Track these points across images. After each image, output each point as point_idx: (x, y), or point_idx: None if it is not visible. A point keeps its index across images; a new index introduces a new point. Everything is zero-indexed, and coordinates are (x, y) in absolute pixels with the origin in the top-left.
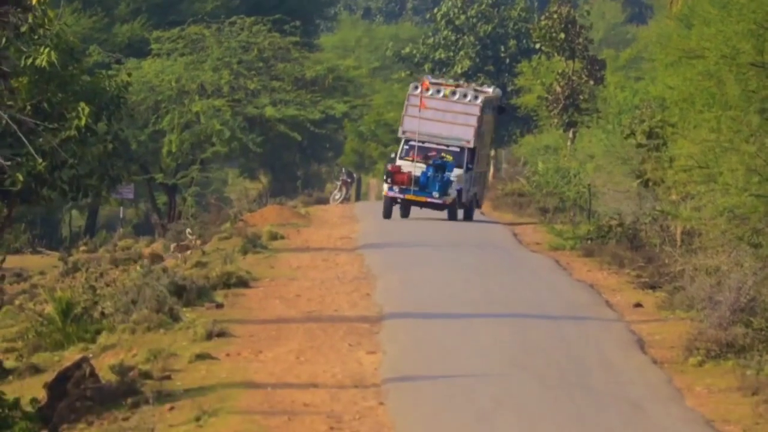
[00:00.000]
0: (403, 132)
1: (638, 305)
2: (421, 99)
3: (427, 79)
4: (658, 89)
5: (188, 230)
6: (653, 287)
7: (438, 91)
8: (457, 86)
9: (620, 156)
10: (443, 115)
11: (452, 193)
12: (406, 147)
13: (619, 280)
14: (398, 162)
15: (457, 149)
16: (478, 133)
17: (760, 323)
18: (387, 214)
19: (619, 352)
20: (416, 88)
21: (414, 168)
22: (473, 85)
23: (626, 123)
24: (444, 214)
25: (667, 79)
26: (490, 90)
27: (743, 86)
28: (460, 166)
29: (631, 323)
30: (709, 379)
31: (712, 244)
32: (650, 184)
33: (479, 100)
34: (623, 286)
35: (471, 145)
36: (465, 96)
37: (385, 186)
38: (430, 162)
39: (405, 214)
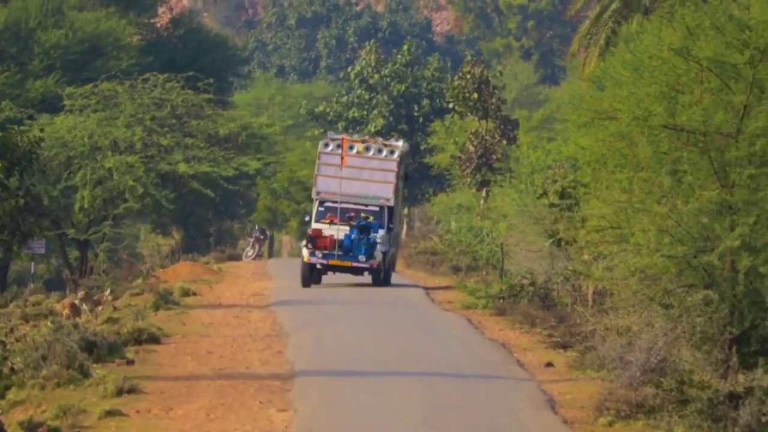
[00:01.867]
0: (318, 193)
1: (549, 365)
2: (343, 156)
3: (329, 137)
4: (571, 149)
5: (107, 292)
6: (565, 347)
7: (351, 148)
8: (363, 140)
9: (533, 215)
10: (359, 172)
11: (378, 255)
12: (322, 209)
13: (531, 340)
14: (315, 225)
15: (377, 208)
16: (397, 190)
17: (670, 384)
18: (306, 282)
19: (531, 412)
20: (326, 145)
21: (337, 231)
22: (380, 140)
23: (539, 183)
24: (360, 278)
25: (580, 139)
26: (400, 144)
27: (655, 148)
28: (381, 227)
29: (543, 383)
30: None
31: (624, 305)
32: (562, 243)
33: (396, 155)
34: (535, 345)
35: (391, 203)
36: (380, 151)
37: (305, 252)
38: (353, 224)
39: (317, 280)
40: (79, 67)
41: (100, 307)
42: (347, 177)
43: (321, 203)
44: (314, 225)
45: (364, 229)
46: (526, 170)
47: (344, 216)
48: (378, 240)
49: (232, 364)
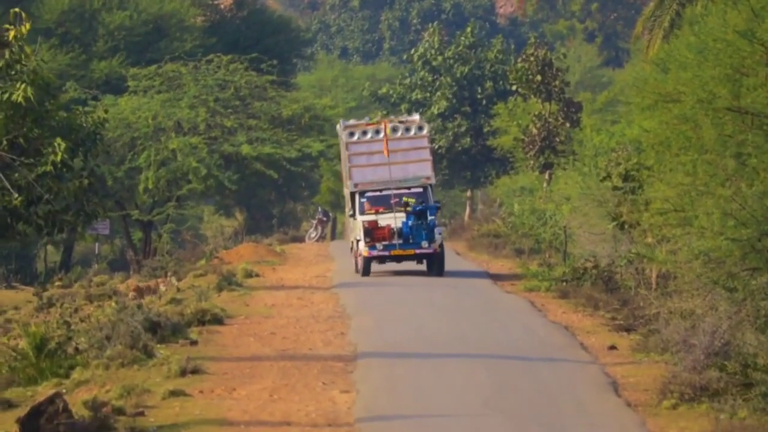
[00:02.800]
0: (355, 185)
1: (613, 348)
2: (385, 143)
3: (343, 124)
4: (634, 132)
5: (166, 275)
6: (628, 330)
7: (377, 132)
8: (377, 123)
9: (596, 198)
10: (393, 155)
11: (438, 238)
12: (364, 200)
13: (594, 323)
14: (363, 218)
15: (420, 189)
16: (433, 166)
17: (734, 367)
18: (367, 272)
19: (594, 395)
20: (352, 134)
21: (394, 220)
22: (395, 118)
23: (602, 166)
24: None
25: (644, 122)
26: (417, 117)
27: (719, 131)
28: (436, 208)
29: (606, 365)
30: (682, 422)
31: (687, 288)
32: (626, 226)
33: (425, 131)
34: (598, 328)
35: (432, 182)
36: (408, 130)
37: (363, 246)
38: (409, 209)
39: (366, 272)
40: (143, 49)
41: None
42: (383, 162)
43: (362, 194)
44: (362, 218)
45: (421, 214)
46: (589, 153)
47: (388, 203)
48: (436, 222)
49: (294, 345)
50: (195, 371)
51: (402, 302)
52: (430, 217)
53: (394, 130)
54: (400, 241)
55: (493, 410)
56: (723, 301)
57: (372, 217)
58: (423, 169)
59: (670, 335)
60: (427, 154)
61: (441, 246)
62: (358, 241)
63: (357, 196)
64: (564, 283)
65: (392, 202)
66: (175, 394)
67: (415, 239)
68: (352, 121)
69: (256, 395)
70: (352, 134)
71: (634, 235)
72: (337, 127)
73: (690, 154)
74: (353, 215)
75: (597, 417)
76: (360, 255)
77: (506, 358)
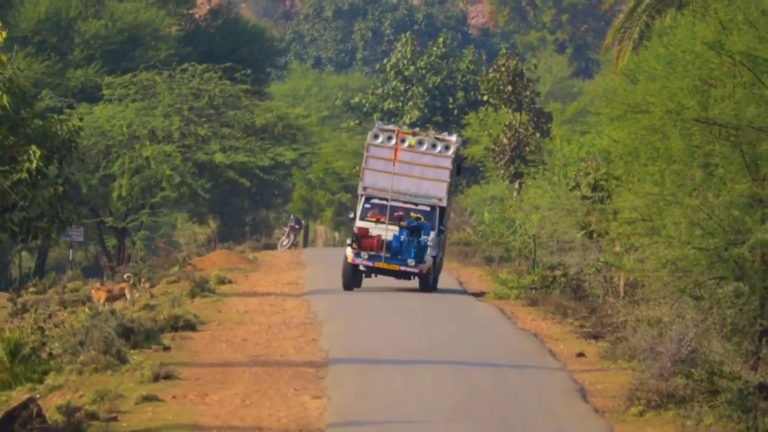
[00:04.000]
0: (364, 188)
1: (581, 355)
2: (396, 151)
3: (398, 128)
4: (604, 142)
5: (126, 275)
6: (596, 337)
7: (403, 141)
8: (414, 133)
9: (565, 207)
10: (411, 168)
11: (428, 260)
12: (368, 205)
13: (563, 330)
14: (360, 223)
15: (428, 208)
16: (450, 190)
17: (700, 374)
18: (348, 285)
19: (562, 401)
20: (376, 137)
21: (385, 231)
22: (433, 133)
23: (572, 175)
24: (407, 283)
25: (613, 132)
26: (454, 138)
27: (687, 141)
28: (433, 228)
29: (574, 372)
30: (649, 429)
31: (655, 296)
32: (594, 235)
33: (451, 151)
34: (566, 335)
35: (443, 204)
36: (434, 146)
37: (349, 251)
38: (404, 224)
39: (358, 283)
40: (119, 57)
41: (124, 299)
42: (397, 172)
43: (367, 199)
44: (359, 223)
45: (415, 231)
46: (559, 163)
47: (392, 215)
48: (429, 243)
49: (266, 351)
50: (168, 377)
51: (373, 309)
52: (423, 236)
53: (420, 143)
54: (388, 255)
55: (463, 416)
56: (690, 309)
57: (364, 224)
58: (437, 189)
59: (638, 343)
60: (445, 175)
61: (434, 267)
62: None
63: (362, 200)
64: (533, 291)
65: (396, 214)
66: (148, 399)
67: (403, 255)
68: (390, 126)
69: (228, 401)
70: (376, 136)
71: (603, 244)
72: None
73: (658, 164)
74: (353, 219)
75: (565, 423)
76: (344, 260)
77: (476, 365)
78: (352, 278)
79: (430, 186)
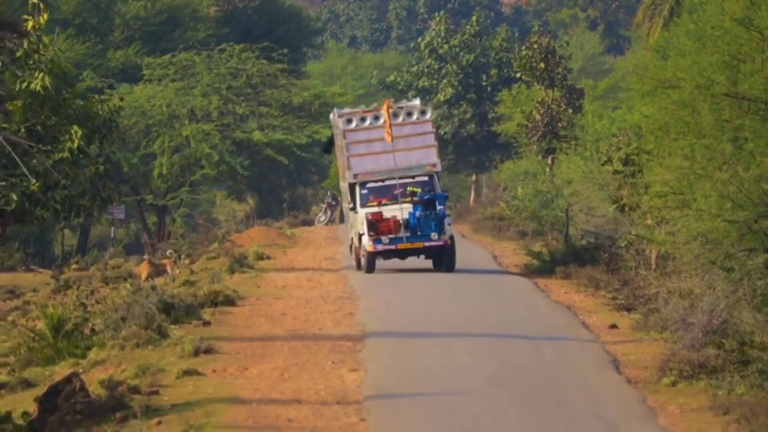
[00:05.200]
0: (354, 176)
1: (614, 326)
2: (388, 127)
3: (390, 102)
4: (635, 118)
5: (168, 251)
6: (628, 309)
7: (376, 118)
8: (374, 109)
9: (597, 182)
10: (394, 142)
11: (449, 230)
12: (365, 191)
13: (595, 302)
14: (365, 210)
15: (425, 177)
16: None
17: (731, 345)
18: (371, 269)
19: (595, 372)
20: (349, 122)
21: (400, 211)
22: (390, 101)
23: (603, 150)
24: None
25: (644, 108)
26: (417, 103)
27: (717, 116)
28: (444, 197)
29: (607, 344)
30: (682, 398)
31: (686, 268)
32: (626, 209)
33: (428, 115)
34: (599, 307)
35: (437, 168)
36: (410, 114)
37: (367, 241)
38: (415, 199)
39: (370, 269)
40: (158, 38)
41: (167, 275)
42: (385, 150)
43: (362, 186)
44: (364, 210)
45: (429, 203)
46: (591, 138)
47: (392, 194)
48: (446, 212)
49: (304, 325)
50: (208, 351)
51: (408, 283)
52: (438, 207)
53: (395, 115)
54: (408, 234)
55: (498, 388)
56: (720, 280)
57: (375, 209)
58: (428, 156)
59: (669, 314)
60: (431, 140)
61: (451, 238)
62: (360, 235)
63: (357, 188)
64: (566, 265)
65: (396, 192)
66: (188, 373)
67: (424, 231)
68: (346, 109)
69: (267, 374)
70: (349, 121)
71: (634, 218)
72: (330, 116)
73: (688, 139)
74: (354, 208)
75: (598, 394)
76: (363, 251)
77: (510, 337)
78: (374, 263)
79: (420, 155)
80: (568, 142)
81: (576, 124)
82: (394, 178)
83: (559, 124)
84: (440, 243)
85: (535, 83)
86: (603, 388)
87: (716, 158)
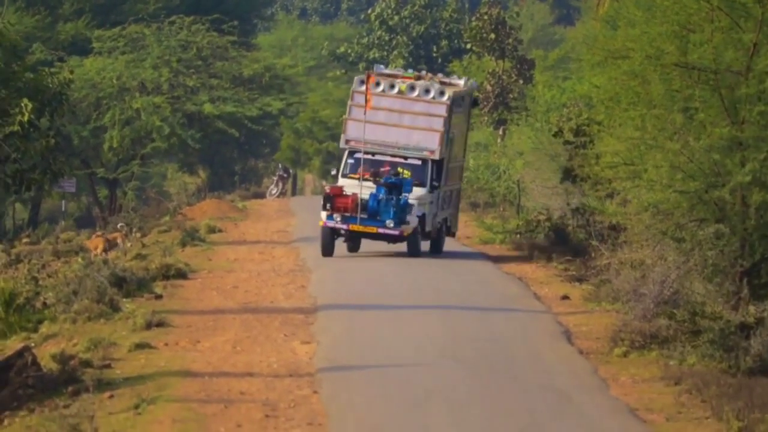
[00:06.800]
0: (347, 141)
1: (565, 297)
2: (368, 97)
3: (374, 72)
4: (585, 88)
5: (120, 224)
6: (580, 280)
7: (392, 86)
8: (418, 77)
9: (548, 153)
10: (399, 117)
11: (412, 220)
12: (351, 161)
13: (547, 273)
14: (341, 180)
15: (418, 162)
16: (445, 140)
17: (682, 315)
18: (327, 251)
19: (547, 343)
20: (362, 83)
21: (361, 189)
22: (438, 76)
23: (554, 121)
24: (401, 246)
25: (594, 78)
26: (461, 82)
27: (667, 86)
28: (421, 184)
29: (559, 315)
30: (633, 369)
31: (637, 239)
32: (577, 180)
33: (446, 97)
34: (551, 279)
35: (436, 156)
36: (427, 92)
37: (323, 214)
38: (381, 180)
39: (353, 247)
40: (108, 11)
41: (118, 248)
42: (384, 122)
43: (351, 154)
44: (341, 180)
45: (394, 187)
46: (541, 109)
47: (376, 170)
48: (412, 201)
49: (256, 298)
50: (160, 324)
51: (360, 255)
52: (404, 194)
53: (411, 88)
54: (364, 216)
55: (450, 359)
56: (672, 251)
57: (342, 183)
58: (428, 140)
59: (621, 285)
60: (439, 125)
61: (422, 228)
62: None
63: (345, 155)
64: (518, 236)
65: (380, 169)
66: (140, 346)
67: (381, 216)
68: (386, 70)
69: (220, 347)
70: (362, 82)
71: (585, 189)
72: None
73: (639, 109)
74: (335, 176)
75: (550, 364)
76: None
77: (462, 309)
78: (331, 243)
79: (420, 137)
80: (519, 113)
81: (527, 95)
82: (386, 155)
83: (510, 95)
84: (395, 232)
85: (486, 54)
86: (555, 359)
87: (667, 128)
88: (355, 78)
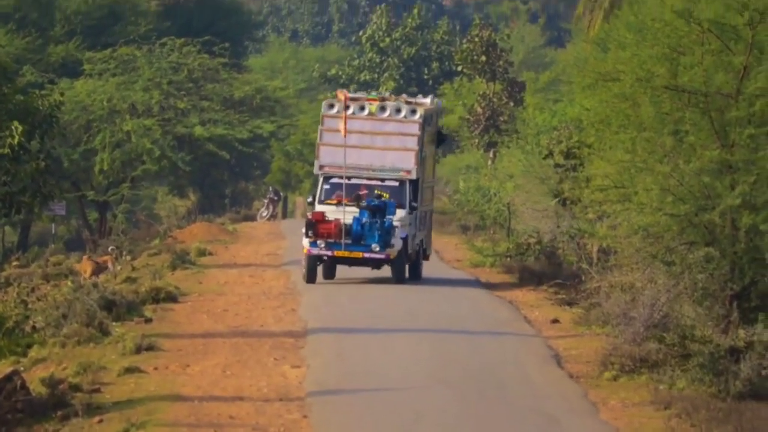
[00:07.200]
0: (321, 167)
1: (555, 321)
2: (344, 120)
3: (344, 92)
4: (576, 111)
5: (110, 248)
6: (570, 304)
7: (362, 108)
8: (382, 99)
9: (539, 176)
10: (371, 139)
11: (396, 243)
12: (328, 186)
13: (537, 297)
14: (318, 207)
15: (395, 183)
16: (420, 159)
17: (672, 339)
18: (311, 278)
19: (537, 367)
20: (331, 107)
21: (344, 214)
22: (403, 97)
23: (544, 144)
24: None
25: (584, 101)
26: (428, 100)
27: (657, 108)
28: (401, 206)
29: (549, 338)
30: (623, 393)
31: (627, 262)
32: (567, 203)
33: (418, 115)
34: (541, 302)
35: (413, 176)
36: (398, 111)
37: (306, 241)
38: (363, 203)
39: (329, 274)
40: (99, 33)
41: (108, 271)
42: (357, 145)
43: (326, 179)
44: (318, 207)
45: (378, 210)
46: (532, 131)
47: (353, 194)
48: (396, 223)
49: (246, 321)
50: (149, 348)
51: (351, 278)
52: (388, 216)
53: (382, 109)
54: (348, 241)
55: (440, 383)
56: (662, 274)
57: (322, 209)
58: (404, 160)
59: (611, 308)
60: (413, 143)
61: (405, 251)
62: None
63: (321, 181)
64: (508, 259)
65: (357, 193)
66: (130, 370)
67: (366, 240)
68: (358, 94)
69: (209, 371)
70: (331, 106)
71: (576, 212)
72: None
73: (629, 132)
74: (312, 203)
75: (540, 389)
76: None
77: (452, 332)
78: (314, 270)
79: (395, 157)
80: (510, 135)
81: (517, 118)
82: (362, 178)
83: (501, 118)
84: (381, 256)
85: (477, 76)
86: (544, 383)
87: (657, 151)
88: (323, 102)
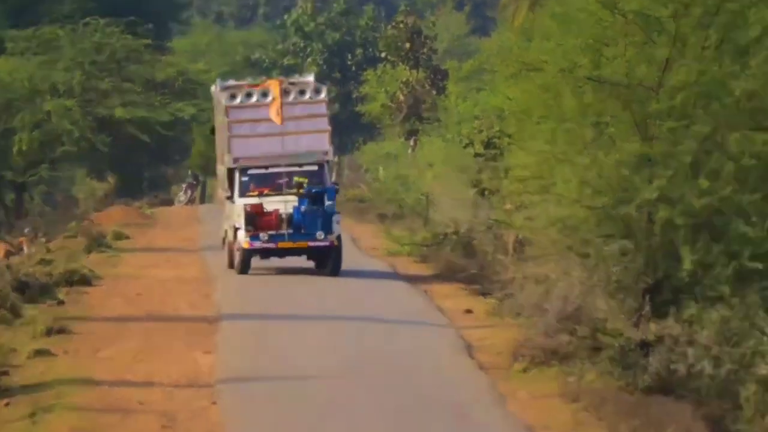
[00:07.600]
0: (235, 160)
1: (469, 311)
2: (278, 107)
3: (282, 79)
4: (498, 100)
5: (26, 229)
6: (485, 294)
7: (264, 95)
8: (262, 85)
9: (458, 165)
10: (283, 124)
11: (337, 229)
12: (246, 179)
13: (452, 287)
14: (246, 201)
15: (314, 167)
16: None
17: (584, 331)
18: (244, 269)
19: (448, 357)
20: (233, 98)
21: (284, 204)
22: (281, 79)
23: (465, 133)
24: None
25: (507, 90)
26: (311, 78)
27: (579, 99)
28: (336, 191)
29: (461, 329)
30: (532, 385)
31: (543, 254)
32: (486, 193)
33: (323, 94)
34: (456, 292)
35: (329, 157)
36: (303, 93)
37: (243, 236)
38: (302, 191)
39: (245, 269)
40: (22, 11)
41: (23, 253)
42: (272, 133)
43: (243, 172)
44: (242, 200)
45: (317, 198)
46: (453, 120)
47: (274, 183)
48: (335, 209)
49: (160, 306)
50: (61, 331)
51: (266, 265)
52: (327, 203)
53: (286, 92)
54: (290, 231)
55: (351, 372)
56: (576, 267)
57: (256, 200)
58: (319, 142)
59: (524, 300)
60: (324, 124)
61: (338, 238)
62: (236, 229)
63: (237, 174)
64: (425, 248)
65: (281, 182)
66: (40, 353)
67: (309, 229)
68: (231, 81)
69: (121, 356)
70: (233, 97)
71: (494, 202)
72: (212, 88)
73: (550, 123)
74: (231, 197)
75: (450, 379)
76: (239, 247)
77: (366, 321)
78: (249, 262)
79: (310, 140)
80: (431, 123)
81: (440, 106)
82: (280, 166)
83: (423, 106)
84: (326, 243)
85: (400, 63)
86: (455, 374)
87: (577, 143)
88: (222, 93)
